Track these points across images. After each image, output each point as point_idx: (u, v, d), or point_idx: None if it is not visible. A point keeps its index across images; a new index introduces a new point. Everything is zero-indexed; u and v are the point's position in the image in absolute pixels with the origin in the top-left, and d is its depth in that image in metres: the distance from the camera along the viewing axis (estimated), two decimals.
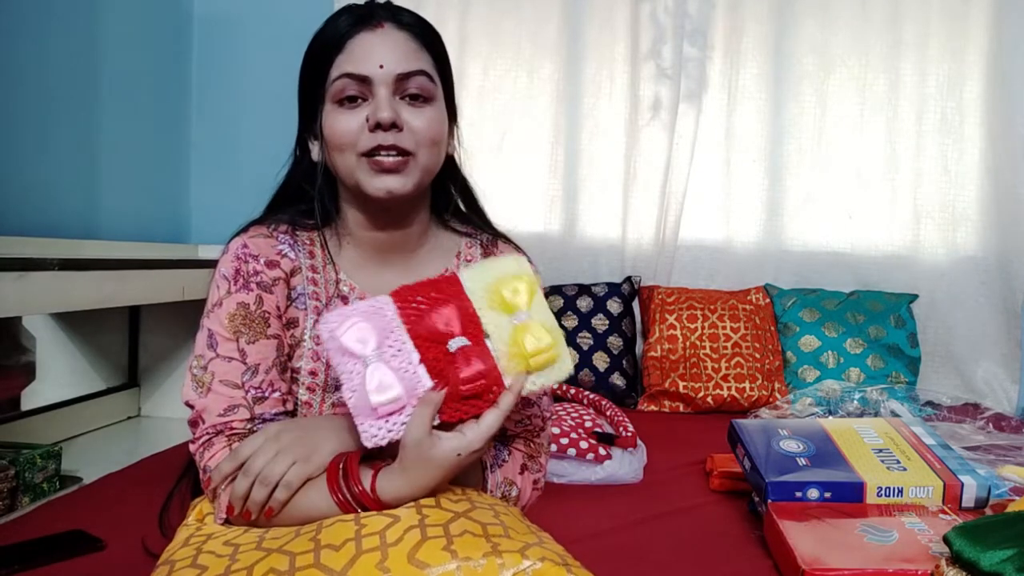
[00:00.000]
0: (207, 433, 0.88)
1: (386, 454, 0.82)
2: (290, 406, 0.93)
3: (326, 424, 0.87)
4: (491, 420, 0.78)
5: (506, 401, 0.79)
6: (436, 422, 0.78)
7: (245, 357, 0.89)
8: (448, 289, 0.83)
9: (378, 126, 0.88)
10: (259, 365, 0.90)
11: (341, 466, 0.81)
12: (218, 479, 0.83)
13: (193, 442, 0.89)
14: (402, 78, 0.90)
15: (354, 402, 0.79)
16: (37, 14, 1.98)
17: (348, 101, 0.90)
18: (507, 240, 1.08)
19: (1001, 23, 2.43)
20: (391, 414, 0.78)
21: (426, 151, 0.92)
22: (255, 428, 0.88)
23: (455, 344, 0.80)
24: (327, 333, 0.81)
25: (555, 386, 0.81)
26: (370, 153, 0.89)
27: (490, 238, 1.06)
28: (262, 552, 0.73)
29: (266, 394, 0.90)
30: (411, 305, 0.82)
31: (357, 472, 0.80)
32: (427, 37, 0.95)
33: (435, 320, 0.81)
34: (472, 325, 0.81)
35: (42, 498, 1.52)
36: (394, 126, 0.89)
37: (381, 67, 0.89)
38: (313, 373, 0.93)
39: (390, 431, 0.78)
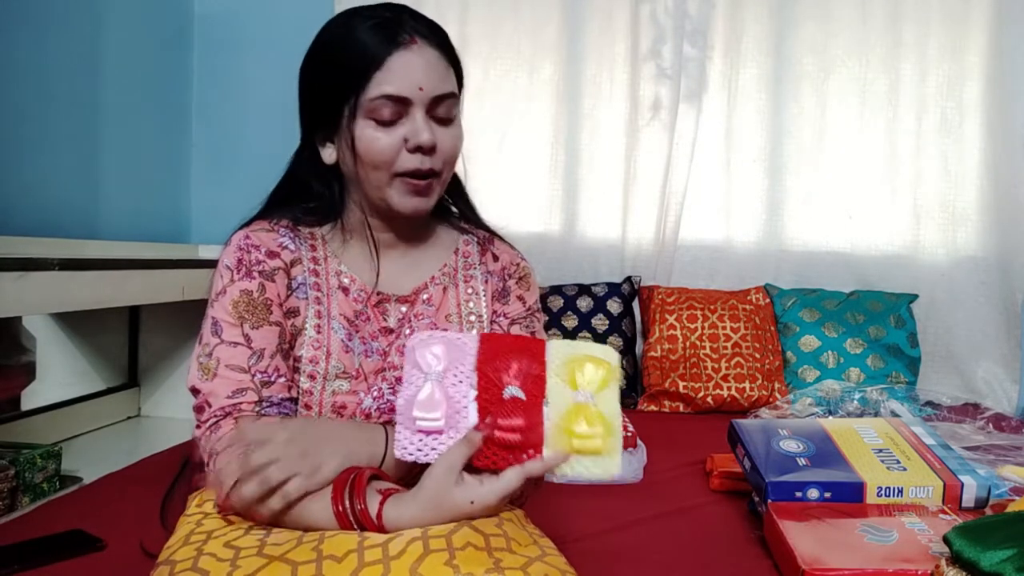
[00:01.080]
0: (215, 416, 0.88)
1: (404, 479, 0.83)
2: (295, 393, 0.94)
3: (334, 436, 0.86)
4: (510, 476, 0.77)
5: (532, 466, 0.77)
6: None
7: (250, 342, 0.91)
8: (530, 348, 0.85)
9: (418, 148, 0.92)
10: (264, 350, 0.91)
11: (350, 481, 0.80)
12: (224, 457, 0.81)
13: (199, 426, 0.89)
14: (437, 100, 0.93)
15: (401, 408, 0.81)
16: (37, 14, 1.98)
17: (385, 119, 0.92)
18: (501, 239, 1.10)
19: (1001, 23, 2.43)
20: (428, 433, 0.80)
21: (449, 168, 0.97)
22: (264, 411, 0.89)
23: (508, 393, 0.81)
24: (413, 340, 0.84)
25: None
26: (406, 174, 0.93)
27: (486, 236, 1.09)
28: (263, 559, 0.73)
29: (272, 379, 0.91)
30: (491, 347, 0.84)
31: (364, 491, 0.79)
32: (451, 53, 0.97)
33: (503, 367, 0.82)
34: (535, 386, 0.81)
35: (42, 498, 1.52)
36: (432, 149, 0.93)
37: (421, 89, 0.92)
38: (314, 361, 0.94)
39: (420, 450, 0.80)
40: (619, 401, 0.82)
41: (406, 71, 0.91)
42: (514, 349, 0.84)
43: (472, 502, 0.76)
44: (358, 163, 0.94)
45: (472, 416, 0.80)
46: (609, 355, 0.85)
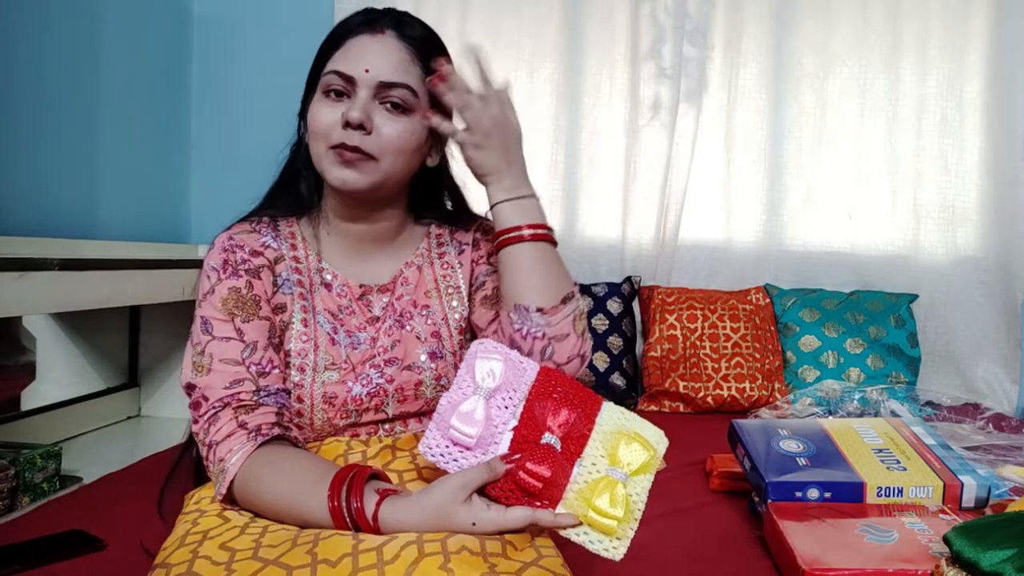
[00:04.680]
0: (213, 408, 0.88)
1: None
2: (289, 385, 0.95)
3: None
4: (518, 515, 0.76)
5: (542, 516, 0.76)
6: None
7: (243, 336, 0.92)
8: (585, 402, 0.83)
9: (347, 124, 0.93)
10: (257, 342, 0.92)
11: (348, 478, 0.80)
12: None
13: (196, 422, 0.90)
14: (385, 86, 0.94)
15: (441, 409, 0.81)
16: (37, 14, 1.98)
17: (334, 95, 0.95)
18: (483, 217, 1.11)
19: (1001, 23, 2.43)
20: (456, 444, 0.79)
21: (391, 158, 0.95)
22: (261, 401, 0.89)
23: (545, 439, 0.80)
24: (476, 346, 0.84)
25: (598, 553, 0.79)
26: (336, 146, 0.94)
27: (464, 220, 1.11)
28: (258, 563, 0.72)
29: (267, 369, 0.92)
30: (547, 385, 0.83)
31: (362, 489, 0.79)
32: (425, 53, 0.98)
33: (551, 411, 0.81)
34: (575, 443, 0.80)
35: (42, 498, 1.53)
36: (361, 127, 0.93)
37: (367, 71, 0.94)
38: (302, 354, 0.96)
39: (442, 455, 0.79)
40: (648, 488, 0.80)
41: (358, 52, 0.95)
42: (569, 397, 0.83)
43: (473, 524, 0.76)
44: (308, 136, 0.98)
45: (503, 446, 0.79)
46: (659, 442, 0.83)
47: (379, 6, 1.02)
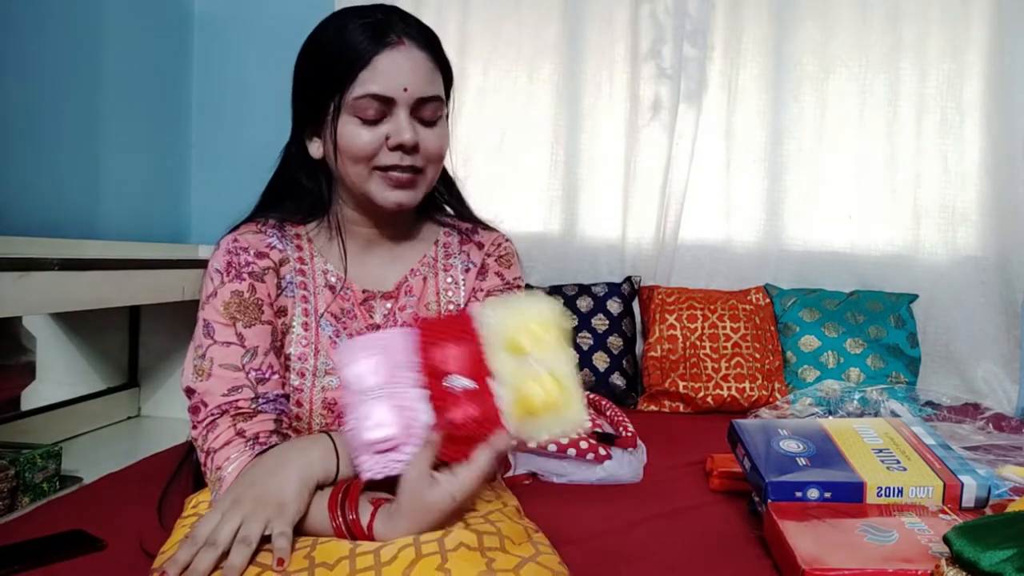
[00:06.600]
0: (211, 415, 0.88)
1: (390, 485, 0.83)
2: (289, 390, 0.95)
3: (288, 459, 0.82)
4: (481, 459, 0.76)
5: (498, 443, 0.76)
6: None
7: (243, 341, 0.92)
8: (460, 325, 0.82)
9: (399, 147, 0.93)
10: (258, 348, 0.92)
11: (341, 494, 0.80)
12: (174, 572, 0.73)
13: (195, 427, 0.90)
14: (422, 101, 0.94)
15: (351, 436, 0.79)
16: (37, 14, 1.98)
17: (369, 118, 0.93)
18: (486, 226, 1.11)
19: (1001, 23, 2.43)
20: (387, 451, 0.78)
21: (433, 167, 0.98)
22: (260, 408, 0.89)
23: (457, 384, 0.79)
24: (339, 358, 0.82)
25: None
26: (386, 168, 0.94)
27: (470, 227, 1.10)
28: (257, 568, 0.73)
29: (267, 376, 0.92)
30: (426, 337, 0.82)
31: (356, 502, 0.79)
32: (439, 55, 0.98)
33: (444, 357, 0.80)
34: (479, 368, 0.79)
35: (42, 498, 1.52)
36: (414, 148, 0.93)
37: (405, 90, 0.93)
38: (302, 359, 0.95)
39: (385, 467, 0.79)
40: (567, 352, 0.80)
41: (392, 71, 0.92)
42: (448, 332, 0.82)
43: (453, 497, 0.76)
44: (339, 157, 0.96)
45: (427, 415, 0.78)
46: (545, 312, 0.82)
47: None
